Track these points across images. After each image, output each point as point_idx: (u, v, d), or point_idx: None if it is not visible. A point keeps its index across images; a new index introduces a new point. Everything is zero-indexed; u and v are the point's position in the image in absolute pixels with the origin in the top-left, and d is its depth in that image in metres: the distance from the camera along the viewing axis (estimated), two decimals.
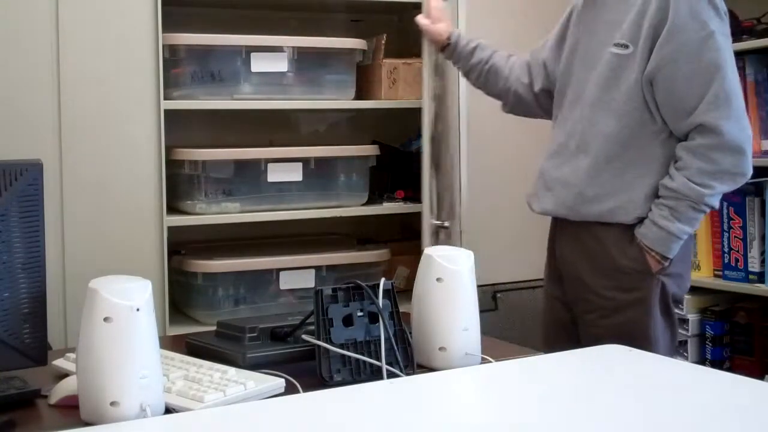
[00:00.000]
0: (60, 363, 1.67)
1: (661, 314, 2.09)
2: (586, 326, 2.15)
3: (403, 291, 2.25)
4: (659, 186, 2.03)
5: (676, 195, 1.99)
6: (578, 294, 2.16)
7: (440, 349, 1.69)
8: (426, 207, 2.62)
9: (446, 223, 2.63)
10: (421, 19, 2.44)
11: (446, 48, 2.43)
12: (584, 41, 2.15)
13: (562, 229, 2.21)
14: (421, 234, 2.67)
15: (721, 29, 1.99)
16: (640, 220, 2.05)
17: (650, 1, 1.99)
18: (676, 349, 2.25)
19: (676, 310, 2.61)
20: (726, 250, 2.89)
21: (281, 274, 2.71)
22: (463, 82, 2.90)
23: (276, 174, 2.71)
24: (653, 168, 2.05)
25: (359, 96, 2.82)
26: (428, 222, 2.62)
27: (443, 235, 2.63)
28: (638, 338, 2.00)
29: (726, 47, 2.00)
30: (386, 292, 1.68)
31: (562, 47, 2.25)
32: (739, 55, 2.83)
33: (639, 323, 2.07)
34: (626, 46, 2.03)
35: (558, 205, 2.16)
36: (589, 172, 2.09)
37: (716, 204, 2.02)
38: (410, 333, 1.71)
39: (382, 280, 1.69)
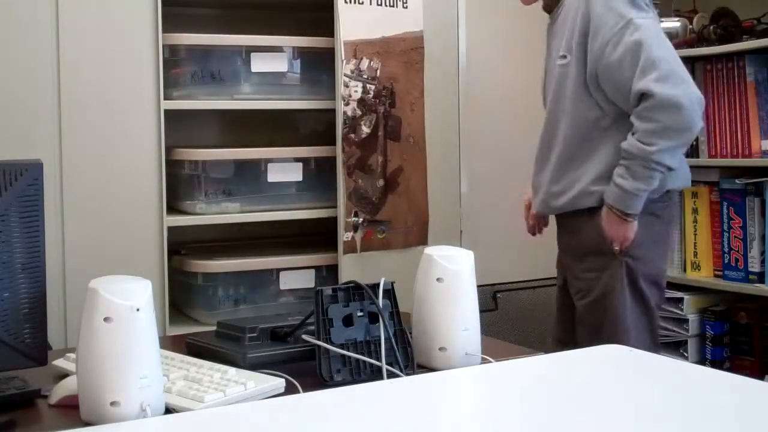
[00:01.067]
0: (60, 363, 1.67)
1: (629, 294, 2.26)
2: (576, 307, 2.37)
3: None
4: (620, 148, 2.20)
5: (628, 155, 2.17)
6: (568, 278, 2.42)
7: (440, 349, 1.69)
8: (341, 206, 2.67)
9: (361, 220, 2.70)
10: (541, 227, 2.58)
11: None
12: (547, 65, 2.43)
13: (557, 223, 2.48)
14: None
15: (640, 16, 2.17)
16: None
17: (577, 14, 2.22)
18: (657, 339, 2.41)
19: (676, 310, 2.73)
20: (726, 250, 2.89)
21: (281, 274, 2.71)
22: (462, 81, 2.91)
23: (276, 174, 2.71)
24: (604, 154, 2.24)
25: None
26: (342, 220, 2.68)
27: (360, 230, 2.70)
28: (608, 315, 2.26)
29: (647, 27, 2.17)
30: (386, 292, 1.68)
31: None
32: (739, 55, 2.84)
33: (607, 302, 2.26)
34: (565, 57, 2.27)
35: (540, 204, 2.43)
36: (553, 173, 2.34)
37: (669, 162, 2.16)
38: (410, 333, 1.71)
39: (382, 279, 1.69)
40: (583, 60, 2.20)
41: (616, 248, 2.23)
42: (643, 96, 2.13)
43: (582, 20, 2.19)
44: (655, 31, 2.18)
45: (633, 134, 2.16)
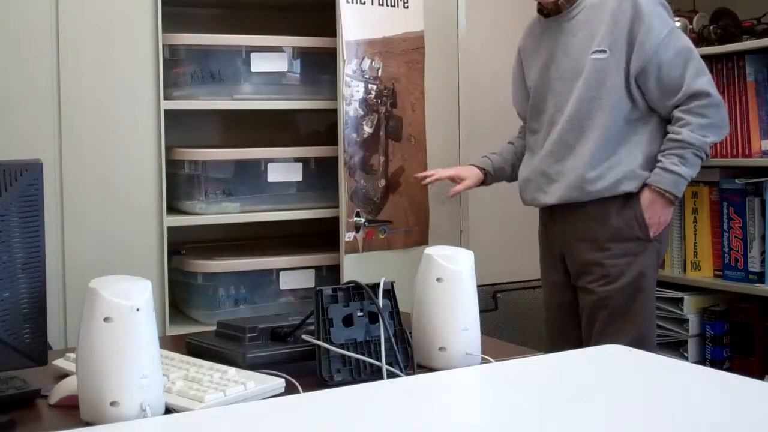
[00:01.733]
0: (60, 363, 1.67)
1: (653, 272, 2.50)
2: (592, 295, 2.47)
3: None
4: (665, 141, 2.42)
5: (682, 144, 2.38)
6: (581, 269, 2.50)
7: (440, 349, 1.69)
8: (343, 206, 2.67)
9: (363, 220, 2.71)
10: (454, 190, 2.73)
11: (485, 181, 2.76)
12: (557, 61, 2.51)
13: (560, 216, 2.54)
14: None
15: (675, 24, 2.49)
16: (640, 188, 2.43)
17: (619, 13, 2.40)
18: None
19: (676, 310, 2.76)
20: (726, 250, 2.89)
21: (281, 274, 2.71)
22: (462, 81, 2.91)
23: (276, 174, 2.71)
24: (640, 145, 2.44)
25: None
26: (344, 220, 2.68)
27: (362, 231, 2.71)
28: (641, 296, 2.44)
29: (684, 35, 2.49)
30: (386, 292, 1.68)
31: (524, 85, 2.65)
32: (739, 55, 2.84)
33: (642, 284, 2.45)
34: (604, 51, 2.42)
35: (567, 190, 2.48)
36: (590, 159, 2.44)
37: (709, 152, 2.44)
38: (410, 333, 1.71)
39: (382, 279, 1.69)
40: (627, 56, 2.40)
41: (653, 232, 2.44)
42: (698, 95, 2.38)
43: (628, 22, 2.38)
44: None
45: (682, 126, 2.38)
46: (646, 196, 2.42)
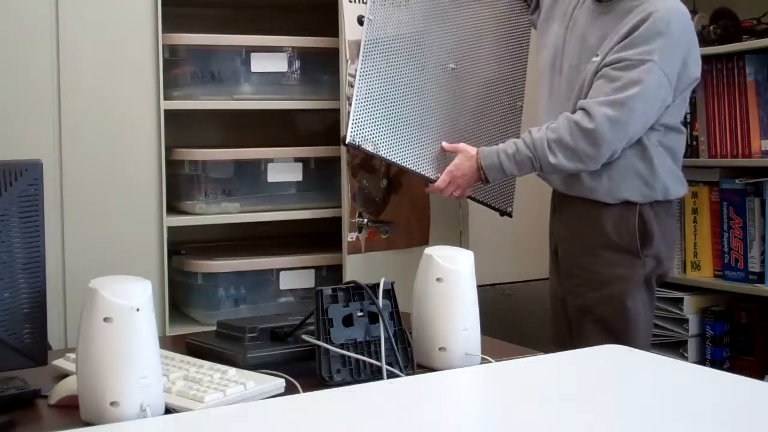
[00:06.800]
0: (60, 363, 1.67)
1: (643, 290, 2.30)
2: (574, 297, 2.36)
3: None
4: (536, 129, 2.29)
5: (530, 143, 2.27)
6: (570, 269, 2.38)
7: (440, 349, 1.69)
8: (345, 207, 2.66)
9: (365, 220, 2.70)
10: None
11: None
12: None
13: (559, 206, 2.45)
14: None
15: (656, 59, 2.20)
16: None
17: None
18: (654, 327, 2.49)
19: (676, 310, 2.72)
20: (726, 250, 2.89)
21: (281, 274, 2.71)
22: None
23: (276, 174, 2.71)
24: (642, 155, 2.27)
25: None
26: (347, 221, 2.67)
27: (364, 231, 2.70)
28: (620, 311, 2.27)
29: (652, 74, 2.22)
30: (386, 292, 1.69)
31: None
32: (739, 55, 2.84)
33: (622, 297, 2.27)
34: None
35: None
36: None
37: (547, 170, 2.30)
38: (410, 333, 1.71)
39: (382, 279, 1.69)
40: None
41: (441, 183, 2.38)
42: (587, 114, 2.21)
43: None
44: None
45: (548, 127, 2.27)
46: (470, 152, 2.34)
